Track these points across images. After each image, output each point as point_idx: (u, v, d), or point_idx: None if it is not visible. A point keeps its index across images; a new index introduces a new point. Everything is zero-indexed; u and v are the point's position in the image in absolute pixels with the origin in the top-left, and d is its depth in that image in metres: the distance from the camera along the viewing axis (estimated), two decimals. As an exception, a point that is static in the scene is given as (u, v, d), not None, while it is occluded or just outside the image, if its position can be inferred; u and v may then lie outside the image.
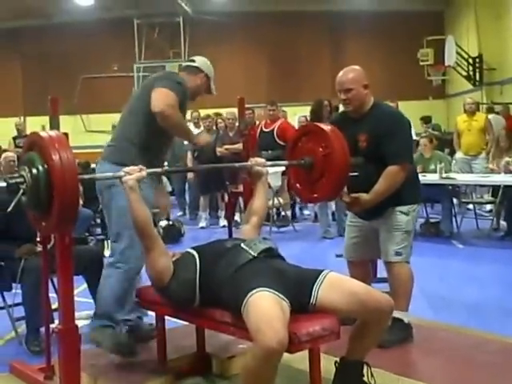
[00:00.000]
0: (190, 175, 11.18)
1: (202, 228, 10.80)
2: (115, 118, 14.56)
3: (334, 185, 4.17)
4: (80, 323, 3.67)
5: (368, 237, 4.70)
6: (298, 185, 4.43)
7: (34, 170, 3.10)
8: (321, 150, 4.11)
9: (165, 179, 10.82)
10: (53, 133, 3.22)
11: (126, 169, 3.52)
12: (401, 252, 4.50)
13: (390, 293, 4.15)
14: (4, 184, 3.20)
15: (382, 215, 4.54)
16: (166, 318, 3.91)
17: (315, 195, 4.29)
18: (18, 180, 3.14)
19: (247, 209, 4.12)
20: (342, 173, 4.09)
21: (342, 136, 4.14)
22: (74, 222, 3.20)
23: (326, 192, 4.25)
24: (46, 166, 3.07)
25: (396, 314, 4.31)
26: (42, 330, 4.32)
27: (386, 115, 4.56)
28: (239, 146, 8.40)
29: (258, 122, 10.79)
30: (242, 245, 3.53)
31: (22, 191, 3.14)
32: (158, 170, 3.71)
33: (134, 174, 3.48)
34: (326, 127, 4.26)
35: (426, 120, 14.23)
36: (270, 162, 4.30)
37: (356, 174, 4.19)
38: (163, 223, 9.65)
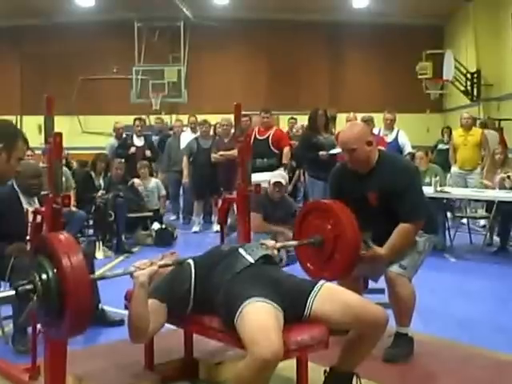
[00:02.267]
0: (185, 179, 11.15)
1: (195, 232, 10.76)
2: (113, 119, 14.52)
3: (346, 265, 4.13)
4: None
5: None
6: (307, 263, 4.36)
7: (44, 276, 2.90)
8: (329, 227, 4.08)
9: (159, 183, 10.82)
10: (61, 236, 3.03)
11: (137, 263, 3.41)
12: (405, 266, 4.41)
13: (388, 305, 4.14)
14: (13, 292, 2.96)
15: None
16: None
17: (325, 274, 4.14)
18: (28, 287, 2.93)
19: None
20: (353, 253, 4.07)
21: (350, 213, 4.09)
22: (86, 328, 3.06)
23: (337, 272, 4.18)
24: (55, 271, 2.89)
25: (401, 329, 4.32)
26: (30, 329, 4.27)
27: (395, 170, 4.41)
28: (234, 152, 8.38)
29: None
30: (240, 250, 3.51)
31: (32, 300, 2.93)
32: (169, 261, 3.57)
33: (145, 268, 3.38)
34: (335, 204, 4.21)
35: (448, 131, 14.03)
36: (279, 244, 4.08)
37: None
38: (156, 226, 9.64)
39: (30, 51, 19.19)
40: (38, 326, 3.70)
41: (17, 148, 3.52)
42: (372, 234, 4.29)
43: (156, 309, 3.36)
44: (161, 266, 3.47)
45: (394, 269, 4.40)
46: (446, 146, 12.62)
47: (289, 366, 3.35)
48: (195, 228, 10.89)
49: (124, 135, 12.33)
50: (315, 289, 3.32)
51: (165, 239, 9.34)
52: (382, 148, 5.37)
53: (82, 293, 2.86)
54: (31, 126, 14.32)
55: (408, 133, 9.94)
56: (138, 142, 11.87)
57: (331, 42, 19.64)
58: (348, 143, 4.37)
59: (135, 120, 12.27)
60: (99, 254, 8.48)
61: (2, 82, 19.40)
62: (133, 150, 11.58)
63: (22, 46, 19.37)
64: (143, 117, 14.21)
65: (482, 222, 10.65)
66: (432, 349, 4.73)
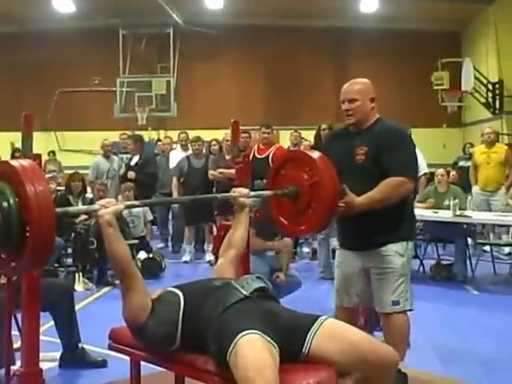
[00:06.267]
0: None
1: (186, 262, 10.74)
2: (94, 136, 14.53)
3: (323, 215, 4.13)
4: (45, 366, 3.60)
5: (362, 279, 4.63)
6: (280, 217, 4.37)
7: (5, 204, 2.98)
8: (306, 176, 4.10)
9: (146, 207, 10.78)
10: (25, 162, 3.10)
11: (102, 201, 3.48)
12: (398, 301, 4.46)
13: (385, 341, 4.12)
14: None
15: (375, 250, 4.49)
16: (142, 363, 3.83)
17: (302, 227, 4.25)
18: None
19: (224, 241, 4.07)
20: (332, 202, 4.07)
21: (331, 163, 4.12)
22: (48, 263, 3.12)
23: (315, 223, 4.22)
24: (17, 200, 2.97)
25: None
26: (2, 371, 4.22)
27: (390, 129, 4.56)
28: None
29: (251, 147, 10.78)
30: (233, 283, 3.49)
31: None
32: (136, 202, 3.63)
33: (110, 207, 3.45)
34: (313, 153, 4.25)
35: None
36: (253, 193, 4.24)
37: None
38: (142, 256, 9.60)
39: (2, 60, 19.18)
40: (13, 368, 3.66)
41: None
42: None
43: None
44: (127, 207, 3.53)
45: (388, 308, 4.47)
46: (468, 163, 12.52)
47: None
48: (186, 257, 10.86)
49: (127, 156, 12.28)
50: (316, 324, 3.28)
51: (152, 270, 9.28)
52: None
53: (46, 223, 2.91)
54: (4, 144, 14.36)
55: (422, 149, 9.89)
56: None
57: (336, 49, 19.72)
58: (351, 92, 4.56)
59: (122, 135, 12.24)
60: (79, 286, 8.45)
61: (-28, 94, 19.41)
62: (131, 174, 11.48)
63: (-7, 55, 19.39)
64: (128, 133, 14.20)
65: (507, 249, 10.61)
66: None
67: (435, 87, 17.82)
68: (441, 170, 9.95)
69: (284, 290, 6.71)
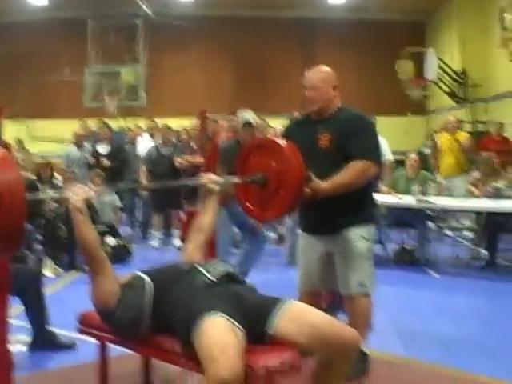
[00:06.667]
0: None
1: (155, 248, 10.76)
2: (64, 124, 14.40)
3: (290, 202, 4.20)
4: (16, 349, 3.63)
5: (325, 264, 4.66)
6: (247, 202, 4.43)
7: None
8: (273, 164, 4.16)
9: (115, 194, 10.78)
10: None
11: (73, 189, 3.53)
12: (364, 284, 4.51)
13: (348, 323, 4.18)
14: None
15: (338, 234, 4.53)
16: (111, 346, 3.88)
17: (268, 213, 4.31)
18: None
19: (193, 226, 4.11)
20: (299, 189, 4.13)
21: (295, 146, 4.18)
22: (19, 248, 3.14)
23: (282, 209, 4.28)
24: None
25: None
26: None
27: (353, 116, 4.58)
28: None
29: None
30: (200, 268, 3.54)
31: None
32: (106, 188, 3.68)
33: (80, 194, 3.49)
34: (280, 141, 4.31)
35: None
36: (222, 179, 4.29)
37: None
38: (111, 241, 9.60)
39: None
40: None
41: None
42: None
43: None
44: (97, 194, 3.72)
45: (355, 290, 4.51)
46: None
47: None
48: (154, 243, 10.89)
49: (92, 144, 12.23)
50: (280, 307, 3.34)
51: (121, 256, 9.29)
52: None
53: (17, 209, 2.93)
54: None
55: (387, 137, 9.93)
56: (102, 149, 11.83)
57: (303, 39, 19.70)
58: (313, 79, 4.56)
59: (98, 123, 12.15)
60: (48, 272, 8.45)
61: None
62: (106, 163, 11.48)
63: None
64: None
65: (467, 233, 10.73)
66: (412, 373, 4.77)
67: (400, 76, 17.89)
68: (413, 156, 9.91)
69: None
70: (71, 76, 18.87)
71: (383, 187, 9.64)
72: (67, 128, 13.91)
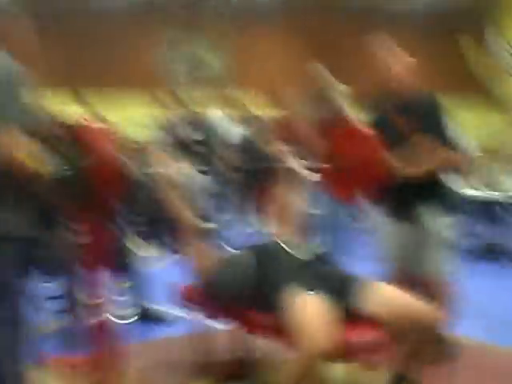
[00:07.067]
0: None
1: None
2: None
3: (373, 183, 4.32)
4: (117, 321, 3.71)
5: (409, 249, 4.60)
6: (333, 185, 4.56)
7: None
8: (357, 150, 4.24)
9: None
10: None
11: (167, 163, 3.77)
12: (446, 269, 4.49)
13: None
14: None
15: (421, 221, 4.49)
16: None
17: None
18: None
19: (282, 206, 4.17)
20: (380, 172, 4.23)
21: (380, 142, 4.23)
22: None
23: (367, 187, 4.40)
24: None
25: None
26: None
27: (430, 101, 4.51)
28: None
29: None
30: (293, 247, 3.67)
31: None
32: None
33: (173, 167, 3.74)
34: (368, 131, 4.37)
35: None
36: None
37: None
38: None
39: None
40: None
41: None
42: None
43: None
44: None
45: (437, 274, 4.49)
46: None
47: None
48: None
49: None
50: (368, 285, 3.40)
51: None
52: None
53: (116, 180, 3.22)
54: None
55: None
56: None
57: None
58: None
59: None
60: (149, 251, 8.62)
61: None
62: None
63: None
64: None
65: None
66: (502, 361, 4.75)
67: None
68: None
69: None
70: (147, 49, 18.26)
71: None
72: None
